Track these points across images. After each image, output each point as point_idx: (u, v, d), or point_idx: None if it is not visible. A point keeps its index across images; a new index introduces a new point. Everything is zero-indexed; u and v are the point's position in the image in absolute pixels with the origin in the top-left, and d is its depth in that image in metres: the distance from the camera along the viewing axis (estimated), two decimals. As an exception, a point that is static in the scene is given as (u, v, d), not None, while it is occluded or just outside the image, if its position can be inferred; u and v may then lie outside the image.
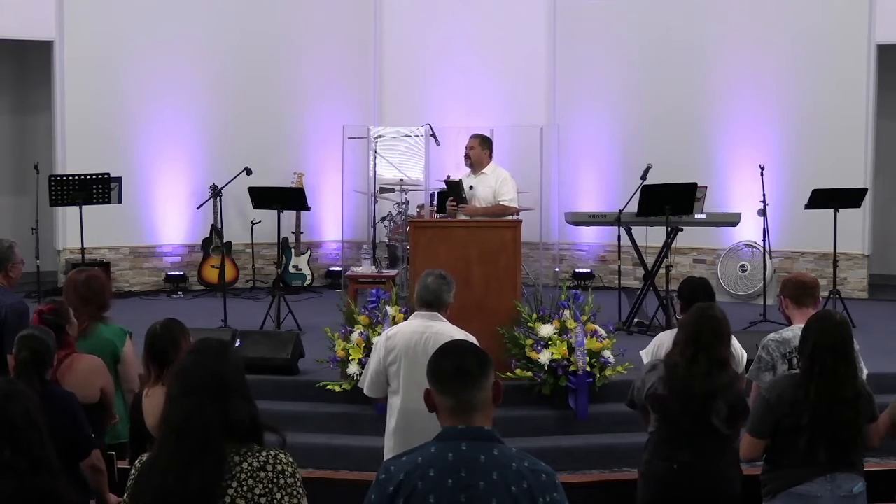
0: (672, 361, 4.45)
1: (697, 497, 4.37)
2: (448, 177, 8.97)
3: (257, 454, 2.87)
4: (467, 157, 8.58)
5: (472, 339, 4.75)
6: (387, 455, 5.02)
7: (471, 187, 8.49)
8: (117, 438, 5.04)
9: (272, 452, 2.89)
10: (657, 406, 4.45)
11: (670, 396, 4.39)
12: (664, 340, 5.07)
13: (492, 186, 8.43)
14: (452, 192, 8.59)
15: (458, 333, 4.91)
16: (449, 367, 2.85)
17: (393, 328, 5.15)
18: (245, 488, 2.82)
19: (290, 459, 2.91)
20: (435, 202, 10.12)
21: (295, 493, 2.88)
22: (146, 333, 4.52)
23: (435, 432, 4.72)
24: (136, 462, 2.96)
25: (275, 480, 2.85)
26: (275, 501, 2.84)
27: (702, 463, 4.38)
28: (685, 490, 4.37)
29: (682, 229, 9.25)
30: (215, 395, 2.85)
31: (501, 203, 8.36)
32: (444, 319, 4.97)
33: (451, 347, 3.00)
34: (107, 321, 5.26)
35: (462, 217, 8.35)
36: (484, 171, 8.52)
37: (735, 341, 5.41)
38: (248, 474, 2.83)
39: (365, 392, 5.15)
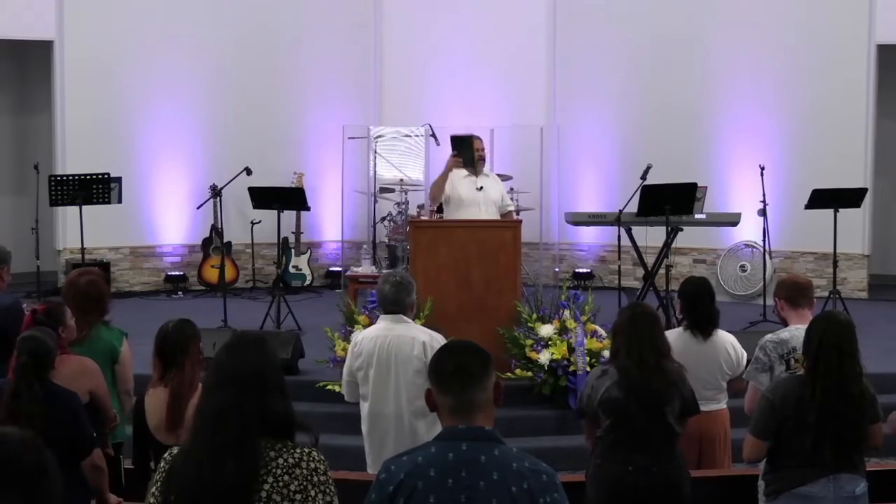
0: (622, 364, 4.46)
1: (651, 500, 4.35)
2: (459, 136, 8.15)
3: (292, 451, 2.86)
4: (482, 159, 8.22)
5: (440, 338, 4.80)
6: (367, 460, 5.05)
7: (480, 188, 8.13)
8: (114, 439, 5.03)
9: (305, 450, 2.89)
10: (613, 410, 4.43)
11: (626, 397, 4.40)
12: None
13: (498, 191, 8.32)
14: (461, 149, 8.01)
15: (423, 334, 4.95)
16: (449, 366, 2.84)
17: (359, 334, 5.22)
18: (281, 484, 2.81)
19: (322, 458, 2.91)
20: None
21: (328, 490, 2.87)
22: (158, 331, 4.46)
23: (403, 435, 4.82)
24: (166, 455, 2.92)
25: (308, 478, 2.84)
26: (309, 499, 2.83)
27: (656, 465, 4.38)
28: (640, 493, 4.34)
29: (682, 229, 9.22)
30: (252, 388, 2.85)
31: (509, 210, 8.38)
32: (409, 320, 5.03)
33: (452, 347, 3.00)
34: (108, 323, 5.28)
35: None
36: (484, 171, 8.39)
37: (735, 341, 5.43)
38: (284, 470, 2.82)
39: (346, 399, 5.24)
